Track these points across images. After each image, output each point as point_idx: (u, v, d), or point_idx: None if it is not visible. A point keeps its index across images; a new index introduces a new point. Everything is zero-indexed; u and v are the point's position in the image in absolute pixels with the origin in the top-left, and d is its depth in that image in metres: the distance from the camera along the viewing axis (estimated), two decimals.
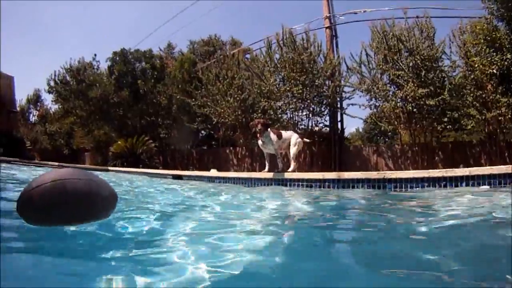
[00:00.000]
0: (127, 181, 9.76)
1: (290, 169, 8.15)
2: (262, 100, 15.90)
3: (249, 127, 9.32)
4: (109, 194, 2.43)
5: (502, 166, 5.86)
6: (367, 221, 3.78)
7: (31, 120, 35.05)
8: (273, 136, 8.33)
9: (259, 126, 8.18)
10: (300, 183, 7.03)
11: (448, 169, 5.97)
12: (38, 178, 2.23)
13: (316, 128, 16.64)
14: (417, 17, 13.88)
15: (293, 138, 8.51)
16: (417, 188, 5.78)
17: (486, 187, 5.38)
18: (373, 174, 6.37)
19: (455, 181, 5.63)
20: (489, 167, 6.23)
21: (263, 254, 2.34)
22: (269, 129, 8.42)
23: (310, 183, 6.87)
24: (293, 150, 8.38)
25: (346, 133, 21.58)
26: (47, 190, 2.12)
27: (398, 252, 2.38)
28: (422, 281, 1.82)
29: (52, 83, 23.52)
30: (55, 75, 23.46)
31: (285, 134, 8.60)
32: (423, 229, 2.91)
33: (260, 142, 8.34)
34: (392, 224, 3.47)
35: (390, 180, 6.03)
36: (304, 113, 16.06)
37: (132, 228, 2.88)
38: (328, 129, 17.05)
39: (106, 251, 2.22)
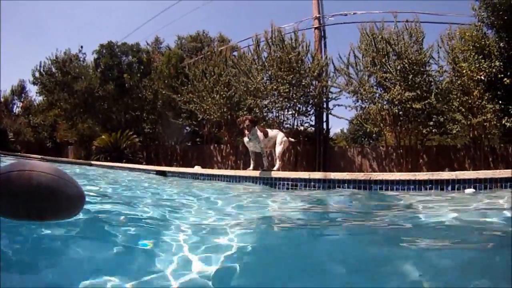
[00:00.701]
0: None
1: (275, 168, 8.09)
2: (248, 97, 15.82)
3: (237, 123, 9.23)
4: (75, 194, 2.30)
5: (488, 171, 5.88)
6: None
7: (14, 111, 34.45)
8: (259, 134, 8.27)
9: (247, 122, 8.09)
10: (286, 182, 6.98)
11: (434, 172, 5.97)
12: (3, 166, 2.13)
13: (302, 128, 16.62)
14: (407, 21, 13.91)
15: (279, 136, 8.46)
16: (403, 191, 5.77)
17: (471, 190, 5.38)
18: (359, 175, 6.34)
19: (441, 184, 5.62)
20: (475, 171, 6.23)
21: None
22: (256, 126, 8.35)
23: (295, 182, 6.82)
24: (278, 149, 8.33)
25: (331, 134, 21.59)
26: (11, 178, 2.03)
27: None
28: None
29: (37, 74, 23.11)
30: (40, 66, 23.06)
31: (271, 132, 8.55)
32: None
33: (246, 139, 8.27)
34: None
35: (376, 182, 6.00)
36: (290, 112, 16.02)
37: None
38: (313, 129, 17.05)
39: None
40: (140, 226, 2.96)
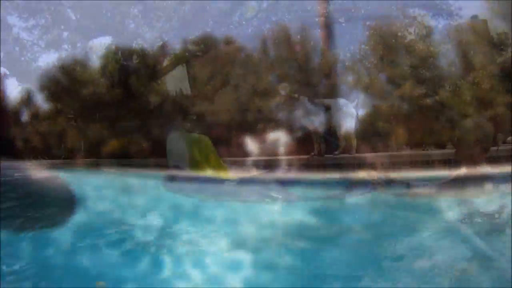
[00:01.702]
0: None
1: None
2: (256, 98, 15.78)
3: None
4: (66, 197, 2.18)
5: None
6: None
7: (22, 119, 34.79)
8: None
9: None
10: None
11: (453, 170, 5.87)
12: None
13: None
14: (415, 15, 13.82)
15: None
16: (423, 188, 5.67)
17: None
18: (375, 175, 6.25)
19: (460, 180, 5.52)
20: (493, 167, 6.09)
21: None
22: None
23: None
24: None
25: None
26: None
27: None
28: None
29: (42, 81, 23.23)
30: (45, 73, 23.16)
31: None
32: None
33: None
34: None
35: (395, 181, 5.91)
36: (300, 113, 15.98)
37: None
38: None
39: None
40: None
